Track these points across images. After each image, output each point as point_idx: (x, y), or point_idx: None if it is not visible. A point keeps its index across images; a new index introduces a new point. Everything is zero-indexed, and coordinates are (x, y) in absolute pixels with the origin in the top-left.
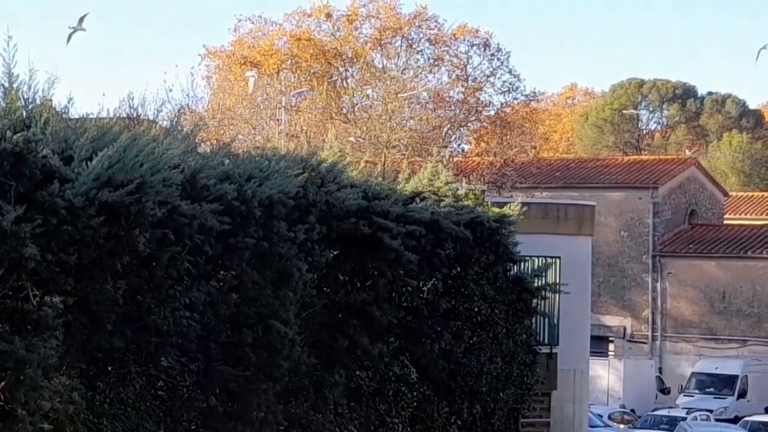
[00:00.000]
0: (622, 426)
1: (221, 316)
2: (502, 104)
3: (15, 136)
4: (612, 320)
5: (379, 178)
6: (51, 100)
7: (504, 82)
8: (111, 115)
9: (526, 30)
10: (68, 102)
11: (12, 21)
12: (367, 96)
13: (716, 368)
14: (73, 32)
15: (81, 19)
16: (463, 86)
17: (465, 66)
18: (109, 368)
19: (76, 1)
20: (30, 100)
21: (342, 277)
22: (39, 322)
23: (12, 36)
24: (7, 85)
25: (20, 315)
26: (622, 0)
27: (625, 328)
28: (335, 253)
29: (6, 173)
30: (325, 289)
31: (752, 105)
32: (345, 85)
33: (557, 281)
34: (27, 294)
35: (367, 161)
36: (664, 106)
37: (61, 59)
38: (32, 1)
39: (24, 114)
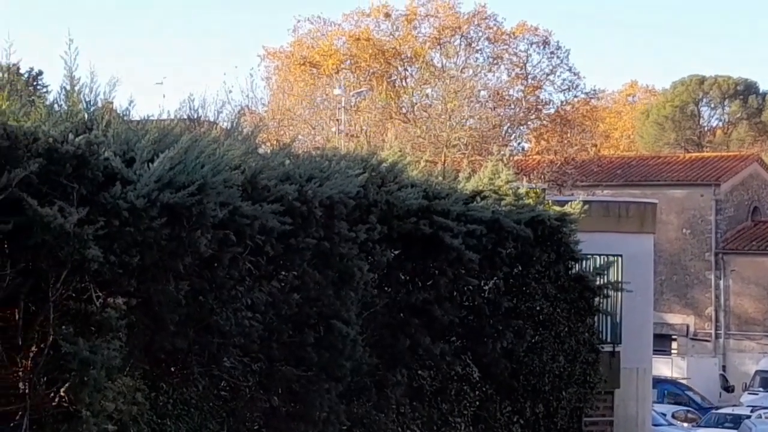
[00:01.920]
0: (685, 424)
1: (283, 317)
2: (562, 102)
3: (77, 139)
4: (675, 318)
5: (440, 178)
6: (112, 103)
7: (564, 80)
8: (172, 116)
9: (585, 27)
10: (129, 104)
11: (72, 24)
12: (427, 95)
13: None
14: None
15: None
16: (522, 84)
17: (524, 64)
18: (172, 369)
19: (135, 8)
20: (91, 103)
21: (403, 277)
22: (102, 323)
23: (73, 39)
24: (69, 88)
25: (84, 317)
26: None
27: (688, 326)
28: (396, 252)
29: (68, 176)
30: (386, 288)
31: None
32: (404, 84)
33: (619, 279)
34: (90, 296)
35: (427, 160)
36: (726, 103)
37: (122, 62)
38: (93, 8)
39: (86, 117)
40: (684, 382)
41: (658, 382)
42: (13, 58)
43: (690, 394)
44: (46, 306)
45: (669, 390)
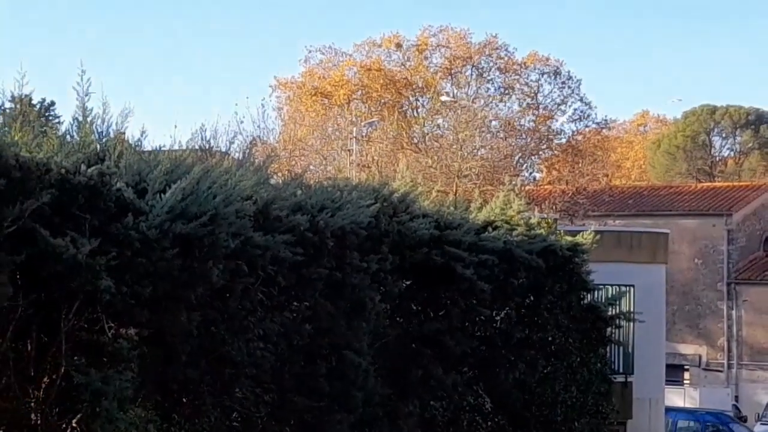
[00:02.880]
0: None
1: (295, 347)
2: (573, 132)
3: (89, 170)
4: (687, 348)
5: (451, 208)
6: (124, 133)
7: (575, 110)
8: (183, 147)
9: (596, 57)
10: (141, 135)
11: (84, 55)
12: (438, 125)
13: None
14: None
15: None
16: (534, 114)
17: (536, 94)
18: (184, 400)
19: (147, 35)
20: (104, 134)
21: (415, 307)
22: (114, 354)
23: (85, 70)
24: (81, 119)
25: (96, 347)
26: (692, 28)
27: (700, 357)
28: (408, 283)
29: (81, 206)
30: (398, 319)
31: None
32: (415, 114)
33: (631, 310)
34: (102, 326)
35: (438, 191)
36: (737, 133)
37: (134, 92)
38: (102, 36)
39: (98, 147)
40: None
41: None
42: (25, 89)
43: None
44: (58, 337)
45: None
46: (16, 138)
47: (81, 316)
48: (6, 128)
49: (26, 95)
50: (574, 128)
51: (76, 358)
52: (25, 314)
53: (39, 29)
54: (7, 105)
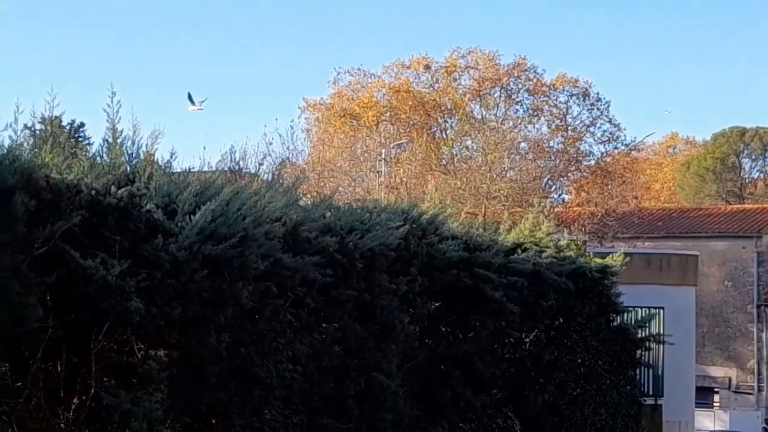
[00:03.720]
0: None
1: (324, 369)
2: (602, 154)
3: (119, 191)
4: (717, 371)
5: (480, 229)
6: (154, 155)
7: (604, 131)
8: (213, 168)
9: (625, 79)
10: (171, 156)
11: (114, 77)
12: (467, 147)
13: None
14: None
15: (201, 101)
16: (562, 136)
17: (564, 116)
18: (213, 421)
19: (176, 59)
20: (134, 155)
21: (444, 329)
22: (144, 375)
23: (116, 92)
24: (111, 140)
25: (125, 369)
26: (721, 49)
27: (730, 379)
28: (437, 304)
29: (111, 228)
30: (427, 340)
31: None
32: (444, 136)
33: (661, 332)
34: (132, 348)
35: (467, 212)
36: (767, 155)
37: (163, 114)
38: (131, 56)
39: (128, 169)
40: None
41: None
42: (55, 110)
43: None
44: (88, 358)
45: None
46: (46, 159)
47: (111, 337)
48: (36, 150)
49: (56, 117)
50: (603, 150)
51: (105, 379)
52: (55, 335)
53: (67, 49)
54: (38, 126)
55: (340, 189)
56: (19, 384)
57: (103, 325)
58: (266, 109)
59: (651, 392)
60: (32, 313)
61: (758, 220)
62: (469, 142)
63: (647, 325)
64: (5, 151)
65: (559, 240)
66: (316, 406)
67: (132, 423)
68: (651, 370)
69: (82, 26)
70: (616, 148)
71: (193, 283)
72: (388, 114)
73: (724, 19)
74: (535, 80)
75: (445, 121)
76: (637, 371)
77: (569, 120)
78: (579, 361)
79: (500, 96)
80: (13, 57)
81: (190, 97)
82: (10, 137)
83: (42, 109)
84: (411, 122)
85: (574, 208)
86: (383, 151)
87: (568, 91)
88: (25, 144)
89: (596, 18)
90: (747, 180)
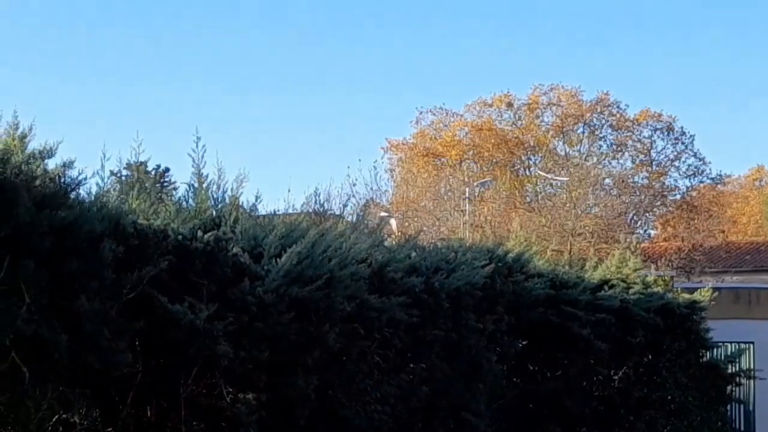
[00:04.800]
0: None
1: (413, 409)
2: (687, 188)
3: (206, 236)
4: None
5: (566, 267)
6: (239, 198)
7: (689, 165)
8: (298, 211)
9: (710, 112)
10: (256, 199)
11: (197, 120)
12: (551, 184)
13: None
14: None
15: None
16: (647, 171)
17: (649, 151)
18: None
19: (256, 98)
20: (219, 199)
21: (532, 367)
22: (233, 419)
23: (200, 137)
24: (197, 185)
25: (214, 412)
26: None
27: None
28: (524, 343)
29: (198, 272)
30: (515, 379)
31: None
32: (528, 173)
33: (751, 367)
34: (221, 391)
35: (553, 250)
36: None
37: (246, 154)
38: (214, 100)
39: (214, 213)
40: None
41: None
42: (141, 156)
43: None
44: (177, 402)
45: None
46: (133, 206)
47: (200, 381)
48: (123, 196)
49: (142, 162)
50: (689, 184)
51: (195, 423)
52: (144, 380)
53: (149, 97)
54: (124, 172)
55: (425, 229)
56: (110, 429)
57: (191, 369)
58: (349, 147)
59: (742, 428)
60: (122, 358)
61: None
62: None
63: (737, 360)
64: (93, 198)
65: (646, 276)
66: None
67: None
68: (742, 406)
69: (164, 72)
70: (701, 182)
71: (280, 325)
72: (471, 152)
73: None
74: (618, 115)
75: (529, 158)
76: (728, 407)
77: (653, 155)
78: (669, 397)
79: (583, 132)
80: (100, 102)
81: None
82: (97, 184)
83: (128, 155)
84: (494, 160)
85: (661, 243)
86: (467, 189)
87: (651, 125)
88: (112, 190)
89: (678, 52)
90: None
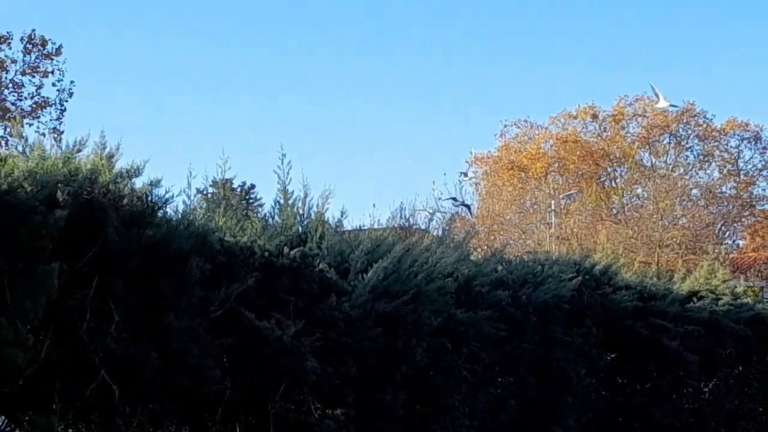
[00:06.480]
0: None
1: (501, 423)
2: None
3: (292, 252)
4: None
5: (654, 278)
6: (324, 214)
7: None
8: (384, 226)
9: None
10: (341, 215)
11: (284, 138)
12: (637, 196)
13: None
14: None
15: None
16: (735, 181)
17: (736, 160)
18: None
19: (342, 113)
20: (305, 216)
21: (621, 380)
22: None
23: (285, 154)
24: (282, 202)
25: (303, 428)
26: None
27: None
28: (613, 356)
29: (285, 289)
30: (604, 392)
31: None
32: (614, 185)
33: None
34: (309, 407)
35: (640, 261)
36: None
37: (332, 173)
38: (297, 114)
39: (300, 229)
40: None
41: None
42: (227, 173)
43: None
44: (266, 419)
45: None
46: (220, 223)
47: (288, 397)
48: (210, 213)
49: (228, 180)
50: None
51: None
52: (233, 397)
53: (235, 115)
54: (210, 190)
55: (511, 242)
56: None
57: (279, 386)
58: (434, 164)
59: None
60: (210, 375)
61: None
62: (639, 191)
63: None
64: (180, 216)
65: (735, 287)
66: None
67: None
68: None
69: (250, 88)
70: None
71: (367, 340)
72: (556, 165)
73: None
74: (704, 126)
75: (615, 170)
76: None
77: (741, 164)
78: (761, 409)
79: (670, 143)
80: (183, 119)
81: (653, 89)
82: (184, 202)
83: (214, 172)
84: (579, 172)
85: (749, 254)
86: (552, 202)
87: (739, 135)
88: (199, 208)
89: (765, 60)
90: None
